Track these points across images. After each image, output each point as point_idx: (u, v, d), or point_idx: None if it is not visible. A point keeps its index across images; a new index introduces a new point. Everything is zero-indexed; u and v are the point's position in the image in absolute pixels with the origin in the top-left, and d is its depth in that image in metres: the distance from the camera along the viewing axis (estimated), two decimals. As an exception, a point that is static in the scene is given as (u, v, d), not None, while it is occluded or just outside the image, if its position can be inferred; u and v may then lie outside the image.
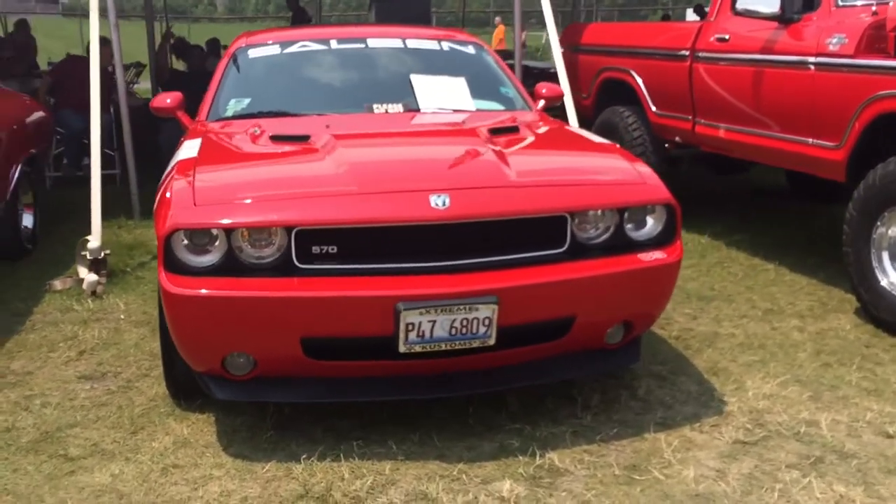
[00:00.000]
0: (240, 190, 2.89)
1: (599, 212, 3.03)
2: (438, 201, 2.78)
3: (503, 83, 4.46)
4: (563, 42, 7.38)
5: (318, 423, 3.09)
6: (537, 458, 2.88)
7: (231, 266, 2.76)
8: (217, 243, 2.75)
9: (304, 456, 2.86)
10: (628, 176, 3.15)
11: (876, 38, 4.06)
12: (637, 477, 2.78)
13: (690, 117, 5.56)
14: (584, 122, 6.83)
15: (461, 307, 2.73)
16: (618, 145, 3.55)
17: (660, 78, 5.83)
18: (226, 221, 2.73)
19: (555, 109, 6.79)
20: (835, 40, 4.26)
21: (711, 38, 5.25)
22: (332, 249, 2.79)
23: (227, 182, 3.04)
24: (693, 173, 6.44)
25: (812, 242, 5.50)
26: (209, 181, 2.95)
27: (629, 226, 3.06)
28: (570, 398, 3.30)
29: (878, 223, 3.99)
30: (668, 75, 5.71)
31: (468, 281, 2.76)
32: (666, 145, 5.96)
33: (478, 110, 4.08)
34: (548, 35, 6.92)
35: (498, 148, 3.22)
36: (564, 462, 2.87)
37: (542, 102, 4.40)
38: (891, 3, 4.03)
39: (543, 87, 4.53)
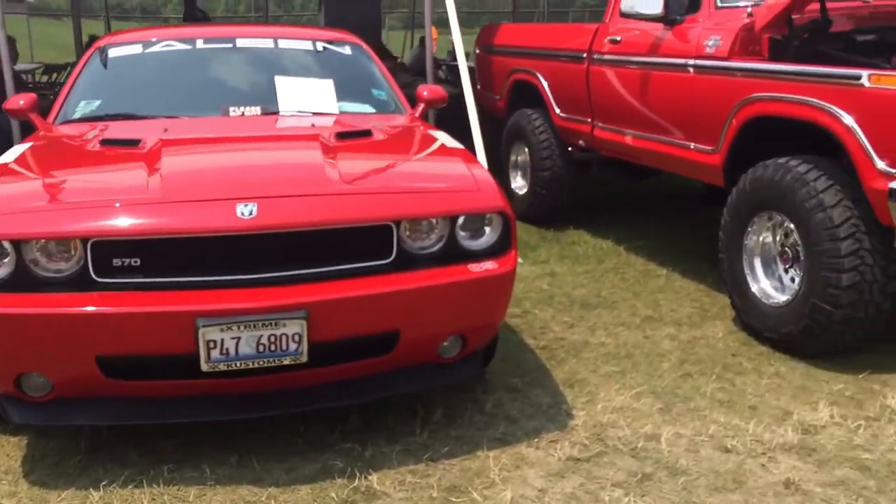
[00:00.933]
0: (36, 199, 2.74)
1: (433, 220, 2.91)
2: (245, 210, 2.65)
3: (378, 85, 4.33)
4: (478, 43, 7.29)
5: (136, 446, 2.93)
6: (356, 480, 2.75)
7: (23, 281, 2.59)
8: (7, 258, 2.59)
9: (105, 483, 2.70)
10: (463, 183, 3.02)
11: (750, 41, 3.98)
12: (454, 499, 2.65)
13: (590, 120, 5.46)
14: (499, 124, 6.76)
15: (267, 323, 2.59)
16: (467, 151, 3.42)
17: (561, 80, 5.73)
18: (13, 233, 2.56)
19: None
20: (711, 42, 4.18)
21: (605, 40, 5.15)
22: (135, 262, 2.64)
23: (26, 190, 2.87)
24: (605, 177, 6.35)
25: (711, 248, 5.41)
26: (6, 190, 2.79)
27: (463, 235, 2.94)
28: (413, 413, 3.18)
29: (749, 229, 3.91)
30: (568, 78, 5.61)
31: (274, 295, 2.62)
32: (569, 149, 5.85)
33: (342, 113, 3.94)
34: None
35: (332, 154, 3.08)
36: (384, 484, 2.74)
37: (421, 106, 4.29)
38: (762, 4, 3.95)
39: (425, 90, 4.41)
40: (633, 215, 6.36)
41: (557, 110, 5.84)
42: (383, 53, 11.11)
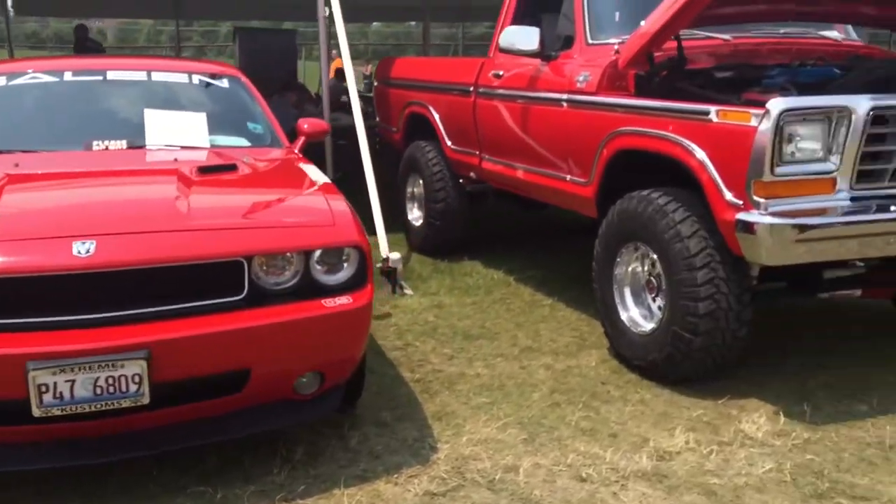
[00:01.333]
0: None
1: (287, 255, 2.88)
2: (82, 248, 2.57)
3: (254, 118, 4.30)
4: (376, 75, 7.34)
5: (-25, 495, 2.79)
6: (203, 523, 2.67)
7: None
8: None
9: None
10: (320, 218, 3.01)
11: (617, 76, 4.10)
12: (301, 540, 2.60)
13: (478, 153, 5.54)
14: (396, 156, 6.79)
15: (104, 364, 2.51)
16: (332, 185, 3.42)
17: (451, 113, 5.80)
18: None
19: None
20: (581, 78, 4.30)
21: (489, 74, 5.25)
22: (-31, 303, 2.53)
23: None
24: (501, 208, 6.42)
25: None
26: None
27: (319, 269, 2.91)
28: (274, 451, 3.11)
29: (618, 259, 4.00)
30: (457, 111, 5.68)
31: (111, 335, 2.55)
32: (461, 181, 5.91)
33: (213, 147, 3.90)
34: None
35: (187, 189, 3.03)
36: (232, 527, 2.67)
37: (301, 139, 4.29)
38: (626, 41, 4.07)
39: (305, 123, 4.41)
40: (527, 246, 6.44)
41: (449, 143, 5.91)
42: (296, 86, 11.07)
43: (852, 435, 3.28)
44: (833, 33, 4.73)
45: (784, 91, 3.50)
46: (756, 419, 3.39)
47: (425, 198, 6.17)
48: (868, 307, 4.74)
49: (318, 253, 2.90)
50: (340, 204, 3.14)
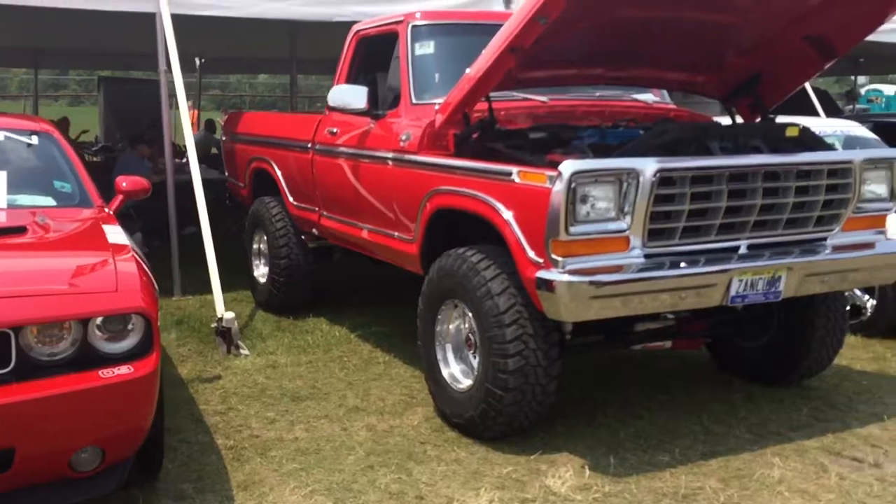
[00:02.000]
0: None
1: (63, 324, 2.72)
2: None
3: (63, 177, 4.12)
4: (224, 130, 7.23)
5: None
6: None
7: None
8: None
9: None
10: (102, 283, 2.88)
11: (437, 136, 4.17)
12: None
13: (317, 209, 5.50)
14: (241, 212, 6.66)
15: None
16: (126, 247, 3.28)
17: (292, 169, 5.75)
18: None
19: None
20: (404, 137, 4.35)
21: (325, 131, 5.25)
22: None
23: None
24: (352, 263, 6.37)
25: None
26: None
27: (99, 337, 2.77)
28: (55, 534, 2.90)
29: (439, 316, 4.01)
30: (297, 167, 5.64)
31: None
32: (304, 237, 5.85)
33: (11, 207, 3.69)
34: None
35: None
36: None
37: (119, 198, 4.14)
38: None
39: (124, 181, 4.26)
40: (376, 301, 6.41)
41: (291, 199, 5.85)
42: (151, 139, 10.74)
43: (651, 486, 3.37)
44: (647, 96, 5.01)
45: (580, 153, 3.64)
46: (563, 474, 3.44)
47: (269, 254, 6.06)
48: (688, 356, 4.95)
49: (98, 320, 2.76)
50: (129, 267, 3.01)
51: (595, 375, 4.67)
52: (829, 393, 4.48)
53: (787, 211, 3.74)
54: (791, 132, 3.91)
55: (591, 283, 3.33)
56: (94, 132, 15.39)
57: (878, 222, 4.10)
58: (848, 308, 5.64)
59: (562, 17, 3.44)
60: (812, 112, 8.62)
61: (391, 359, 5.04)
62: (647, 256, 3.49)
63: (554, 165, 3.39)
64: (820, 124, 6.70)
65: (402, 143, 4.35)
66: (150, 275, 3.23)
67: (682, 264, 3.50)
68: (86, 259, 3.16)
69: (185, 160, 13.39)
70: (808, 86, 9.00)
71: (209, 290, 5.42)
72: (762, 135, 3.88)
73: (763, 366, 4.57)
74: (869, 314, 5.57)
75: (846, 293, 5.61)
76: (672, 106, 4.98)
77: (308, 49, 10.77)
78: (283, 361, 5.00)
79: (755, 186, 3.63)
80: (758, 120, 4.62)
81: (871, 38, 10.42)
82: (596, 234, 3.38)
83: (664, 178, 3.41)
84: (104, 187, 4.32)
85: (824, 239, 3.94)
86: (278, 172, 5.97)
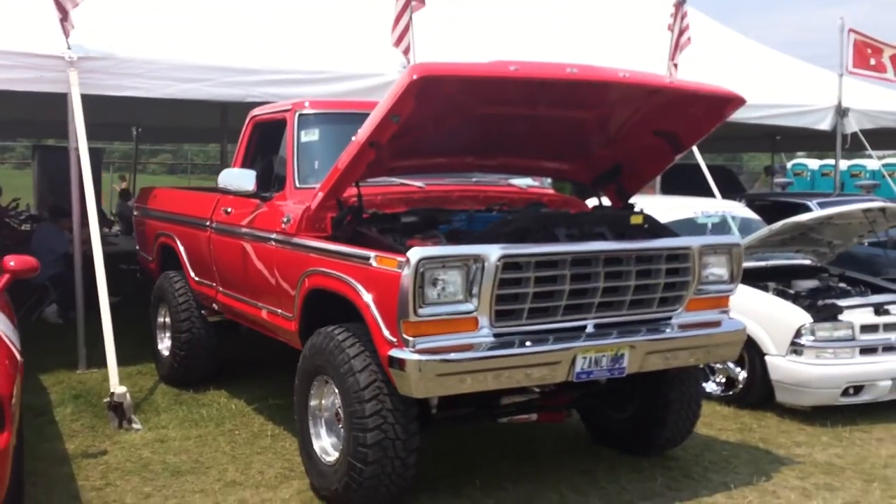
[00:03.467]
0: None
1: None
2: None
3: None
4: (136, 204, 7.41)
5: None
6: None
7: None
8: None
9: None
10: (-44, 364, 3.02)
11: (316, 219, 4.42)
12: None
13: (215, 285, 5.68)
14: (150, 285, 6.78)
15: None
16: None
17: (193, 245, 5.95)
18: None
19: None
20: (285, 219, 4.60)
21: (221, 210, 5.47)
22: None
23: None
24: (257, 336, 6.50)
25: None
26: None
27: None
28: None
29: (312, 391, 4.20)
30: (197, 243, 5.84)
31: None
32: (204, 311, 6.00)
33: None
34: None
35: None
36: None
37: (6, 277, 4.27)
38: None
39: (11, 260, 4.40)
40: (275, 374, 6.50)
41: (192, 274, 6.02)
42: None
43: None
44: (525, 181, 5.36)
45: (435, 239, 3.92)
46: (417, 544, 3.61)
47: (172, 328, 6.18)
48: (567, 429, 5.19)
49: (-51, 401, 2.90)
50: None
51: (470, 446, 4.87)
52: (688, 463, 4.75)
53: (629, 293, 4.06)
54: (635, 220, 4.26)
55: (439, 360, 3.57)
56: (28, 199, 15.36)
57: (721, 302, 4.45)
58: (723, 381, 6.06)
59: (415, 115, 3.76)
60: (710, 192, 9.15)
61: (280, 432, 5.18)
62: (495, 335, 3.75)
63: (406, 251, 3.65)
64: (700, 206, 7.15)
65: (283, 225, 4.59)
66: (16, 354, 3.37)
67: (528, 343, 3.77)
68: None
69: (111, 230, 13.36)
70: (705, 168, 9.60)
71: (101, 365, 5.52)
72: (607, 222, 4.22)
73: (628, 436, 4.83)
74: (741, 386, 5.91)
75: (720, 365, 6.00)
76: (547, 191, 5.34)
77: (240, 120, 11.09)
78: (172, 435, 5.10)
79: (597, 270, 3.94)
80: (619, 205, 4.99)
81: (782, 122, 11.20)
82: (445, 315, 3.64)
83: (508, 263, 3.69)
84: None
85: (669, 318, 4.26)
86: (181, 248, 6.15)
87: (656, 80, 4.47)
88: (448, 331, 3.66)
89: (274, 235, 4.68)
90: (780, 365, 5.65)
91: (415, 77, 3.50)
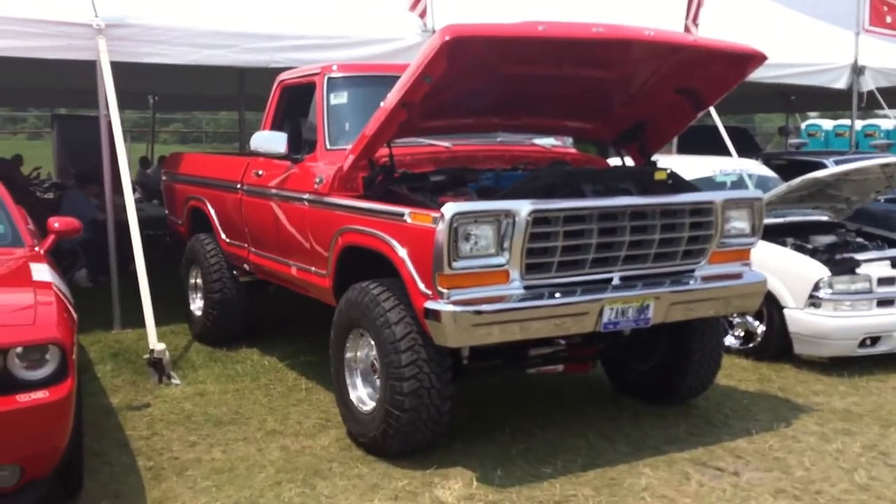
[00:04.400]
0: None
1: (-17, 353, 3.03)
2: None
3: (-6, 218, 4.43)
4: (165, 169, 7.57)
5: None
6: None
7: None
8: None
9: None
10: (20, 317, 3.21)
11: (348, 178, 4.56)
12: None
13: (246, 246, 5.85)
14: (181, 249, 6.96)
15: None
16: (48, 284, 3.61)
17: (224, 208, 6.10)
18: None
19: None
20: (318, 179, 4.74)
21: (252, 173, 5.62)
22: None
23: None
24: (287, 294, 6.68)
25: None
26: None
27: (19, 365, 3.09)
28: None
29: (347, 344, 4.38)
30: (228, 206, 6.00)
31: None
32: (235, 272, 6.18)
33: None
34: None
35: None
36: None
37: (51, 237, 4.45)
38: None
39: (56, 222, 4.57)
40: (311, 331, 6.70)
41: (224, 236, 6.19)
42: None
43: (531, 494, 3.75)
44: (549, 140, 5.47)
45: (466, 196, 4.06)
46: (452, 486, 3.81)
47: (204, 289, 6.37)
48: (590, 380, 5.36)
49: (17, 350, 3.08)
50: (49, 303, 3.34)
51: (501, 396, 5.06)
52: (709, 411, 4.92)
53: (654, 246, 4.20)
54: (659, 176, 4.38)
55: (473, 312, 3.73)
56: (48, 168, 15.54)
57: (742, 255, 4.58)
58: (742, 334, 6.21)
59: (446, 76, 3.88)
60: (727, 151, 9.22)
61: (314, 385, 5.38)
62: (526, 288, 3.90)
63: (440, 207, 3.80)
64: (718, 165, 7.25)
65: (316, 186, 4.73)
66: (71, 309, 3.55)
67: (557, 294, 3.93)
68: (9, 295, 3.48)
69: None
70: (721, 127, 9.65)
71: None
72: (632, 178, 4.35)
73: (651, 386, 5.00)
74: (759, 339, 6.06)
75: (738, 319, 6.15)
76: (570, 150, 5.46)
77: (258, 86, 11.18)
78: (211, 389, 5.31)
79: (623, 225, 4.08)
80: (641, 163, 5.10)
81: (797, 81, 11.12)
82: (478, 269, 3.79)
83: (538, 218, 3.83)
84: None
85: (692, 271, 4.41)
86: (212, 211, 6.31)
87: (680, 38, 4.58)
88: (481, 283, 3.82)
89: (307, 196, 4.82)
90: (798, 318, 5.79)
91: (447, 38, 3.62)
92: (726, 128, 11.80)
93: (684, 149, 10.82)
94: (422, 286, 3.84)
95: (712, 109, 9.62)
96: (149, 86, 14.82)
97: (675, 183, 4.43)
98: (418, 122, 4.44)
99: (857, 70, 11.01)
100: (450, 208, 3.67)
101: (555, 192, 4.06)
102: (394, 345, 3.94)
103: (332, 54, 6.93)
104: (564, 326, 3.97)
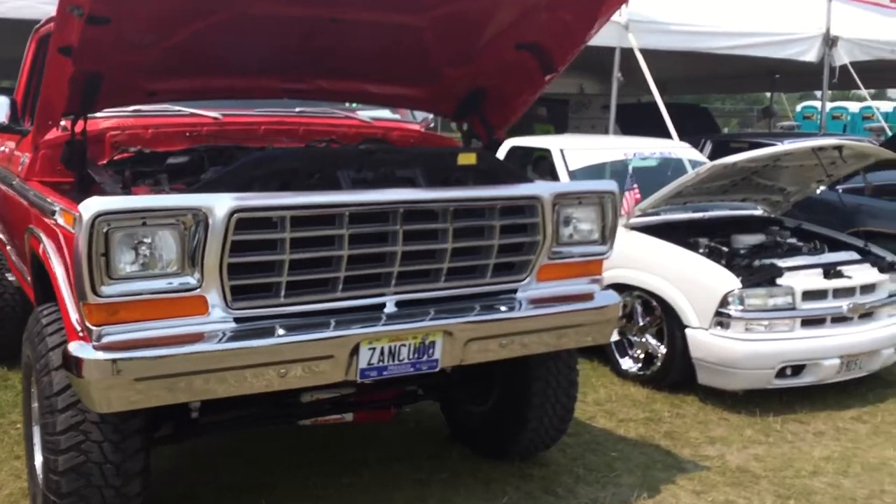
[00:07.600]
0: None
1: None
2: None
3: None
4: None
5: None
6: None
7: None
8: None
9: None
10: None
11: (46, 159, 3.32)
12: None
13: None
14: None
15: None
16: None
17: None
18: None
19: None
20: (23, 159, 3.51)
21: (-1, 150, 4.37)
22: None
23: None
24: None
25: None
26: None
27: None
28: None
29: (33, 389, 3.14)
30: None
31: None
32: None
33: None
34: None
35: None
36: None
37: None
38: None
39: None
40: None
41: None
42: None
43: None
44: (381, 112, 4.23)
45: (156, 185, 2.83)
46: None
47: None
48: (420, 421, 4.16)
49: None
50: None
51: (286, 445, 3.85)
52: (559, 470, 3.71)
53: (446, 258, 2.96)
54: (465, 160, 3.12)
55: (139, 359, 2.50)
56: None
57: (590, 269, 3.33)
58: (642, 355, 4.99)
59: (125, 9, 2.63)
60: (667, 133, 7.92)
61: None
62: (237, 320, 2.67)
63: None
64: (635, 146, 6.03)
65: (19, 168, 3.50)
66: None
67: (281, 331, 2.69)
68: None
69: None
70: (661, 104, 8.32)
71: None
72: (424, 163, 3.08)
73: (486, 435, 3.79)
74: (660, 364, 4.84)
75: (637, 338, 4.95)
76: (400, 124, 4.20)
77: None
78: None
79: (394, 229, 2.83)
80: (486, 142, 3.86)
81: (758, 52, 9.77)
82: (152, 294, 2.54)
83: (246, 220, 2.59)
84: None
85: (514, 291, 3.17)
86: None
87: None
88: (160, 315, 2.57)
89: (16, 181, 3.59)
90: (701, 340, 4.56)
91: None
92: (679, 105, 10.44)
93: (627, 127, 9.55)
94: (74, 318, 2.61)
95: (651, 82, 8.33)
96: None
97: (489, 169, 3.17)
98: (140, 83, 3.19)
99: (829, 41, 9.70)
100: (90, 205, 2.41)
101: (294, 180, 2.81)
102: (49, 401, 2.71)
103: None
104: (292, 377, 2.72)
